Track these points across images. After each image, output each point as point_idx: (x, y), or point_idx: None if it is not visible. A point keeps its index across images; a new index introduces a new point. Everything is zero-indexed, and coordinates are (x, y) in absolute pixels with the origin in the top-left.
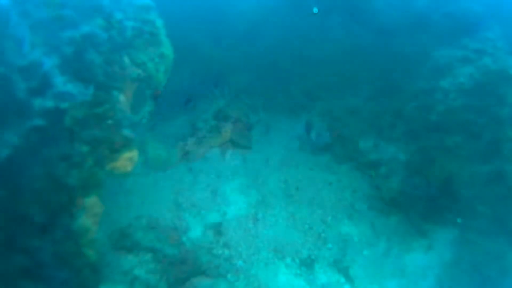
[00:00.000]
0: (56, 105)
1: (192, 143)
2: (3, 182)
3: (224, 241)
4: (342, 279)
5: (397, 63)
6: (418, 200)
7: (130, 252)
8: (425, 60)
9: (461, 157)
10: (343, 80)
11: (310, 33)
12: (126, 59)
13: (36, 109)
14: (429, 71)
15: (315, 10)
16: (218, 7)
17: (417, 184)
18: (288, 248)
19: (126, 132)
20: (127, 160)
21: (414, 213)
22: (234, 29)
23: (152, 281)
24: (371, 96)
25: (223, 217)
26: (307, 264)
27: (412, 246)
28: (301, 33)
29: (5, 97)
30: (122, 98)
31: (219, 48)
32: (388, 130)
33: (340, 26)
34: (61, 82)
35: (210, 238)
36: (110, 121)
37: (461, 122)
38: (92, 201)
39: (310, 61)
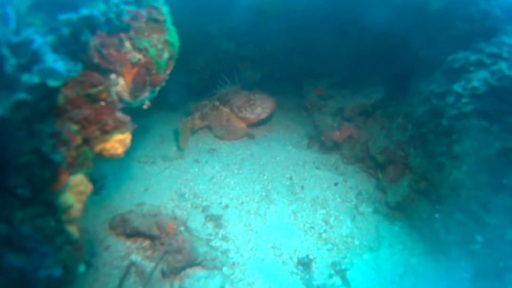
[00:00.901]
0: (42, 81)
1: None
2: None
3: (223, 234)
4: (339, 282)
5: (411, 65)
6: (423, 206)
7: (129, 238)
8: (439, 63)
9: (469, 164)
10: (357, 80)
11: (327, 30)
12: (128, 44)
13: (24, 84)
14: (442, 74)
15: None
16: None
17: (423, 190)
18: (287, 246)
19: (119, 115)
20: (118, 142)
21: (419, 220)
22: (249, 22)
23: (147, 268)
24: (383, 98)
25: (224, 210)
26: (305, 263)
27: (414, 253)
28: (316, 31)
29: None
30: (121, 81)
31: (233, 41)
32: (398, 132)
33: (356, 26)
34: (51, 59)
35: (209, 230)
36: (103, 103)
37: (471, 128)
38: (77, 179)
39: (324, 59)
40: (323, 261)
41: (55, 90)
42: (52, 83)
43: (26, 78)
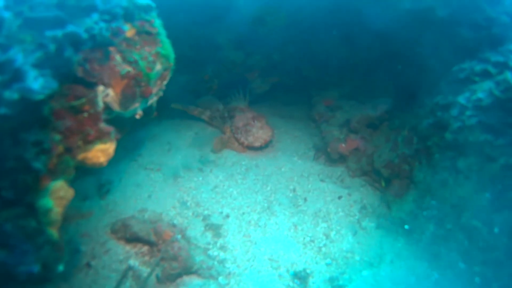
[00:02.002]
0: (22, 97)
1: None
2: None
3: (221, 244)
4: None
5: (419, 75)
6: (427, 223)
7: (129, 242)
8: (444, 73)
9: (473, 181)
10: (365, 90)
11: (334, 39)
12: (118, 57)
13: (5, 100)
14: (448, 85)
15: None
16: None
17: (427, 206)
18: (285, 259)
19: (102, 125)
20: (100, 151)
21: (422, 237)
22: (256, 32)
23: (144, 273)
24: (389, 109)
25: (225, 219)
26: (301, 277)
27: (416, 271)
28: (324, 40)
29: None
30: (111, 93)
31: (242, 51)
32: (403, 146)
33: (363, 34)
34: (32, 77)
35: (208, 239)
36: (86, 114)
37: (475, 142)
38: (58, 185)
39: (333, 69)
40: (321, 275)
41: (40, 103)
42: (35, 97)
43: (7, 94)
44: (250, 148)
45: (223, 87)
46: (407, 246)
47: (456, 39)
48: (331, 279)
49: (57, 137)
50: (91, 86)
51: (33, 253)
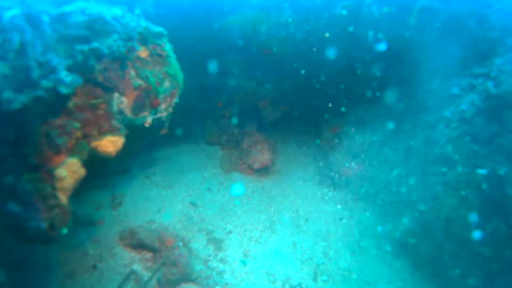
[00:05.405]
0: (54, 86)
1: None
2: (15, 127)
3: (222, 257)
4: None
5: (418, 97)
6: (424, 241)
7: (135, 249)
8: (434, 92)
9: (461, 191)
10: (369, 117)
11: (340, 70)
12: (132, 72)
13: (42, 87)
14: (436, 103)
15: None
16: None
17: (424, 223)
18: (281, 274)
19: (114, 122)
20: (110, 142)
21: (419, 256)
22: (267, 63)
23: (146, 277)
24: (387, 133)
25: (227, 235)
26: None
27: None
28: (331, 71)
29: (25, 77)
30: (124, 100)
31: (254, 81)
32: (402, 167)
33: (363, 65)
34: (63, 74)
35: (210, 251)
36: (101, 111)
37: (462, 152)
38: (73, 161)
39: (340, 98)
40: None
41: (66, 97)
42: (64, 90)
43: (44, 83)
44: (255, 170)
45: (236, 114)
46: (406, 267)
47: (447, 59)
48: None
49: (77, 124)
50: (108, 90)
51: (43, 212)
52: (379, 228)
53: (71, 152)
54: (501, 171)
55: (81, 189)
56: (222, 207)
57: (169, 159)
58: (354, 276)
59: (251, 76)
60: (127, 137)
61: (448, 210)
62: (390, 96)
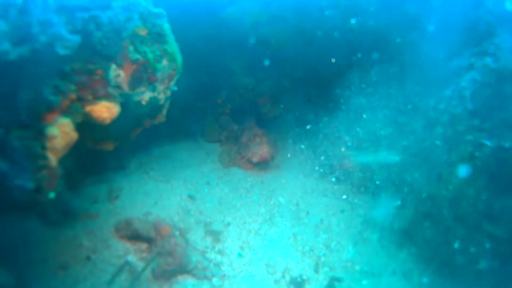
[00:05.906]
0: (53, 41)
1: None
2: (9, 80)
3: (220, 248)
4: None
5: (415, 81)
6: (428, 229)
7: (130, 240)
8: (436, 74)
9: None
10: (369, 105)
11: (341, 64)
12: (131, 47)
13: (40, 41)
14: (437, 84)
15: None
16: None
17: (428, 211)
18: (282, 265)
19: (110, 89)
20: (105, 107)
21: (424, 244)
22: (266, 54)
23: (139, 268)
24: (388, 122)
25: (225, 227)
26: (297, 283)
27: (419, 281)
28: (332, 65)
29: (25, 33)
30: (122, 74)
31: (253, 77)
32: (404, 153)
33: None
34: (64, 31)
35: (207, 243)
36: (98, 77)
37: (464, 130)
38: (66, 121)
39: (339, 94)
40: (318, 283)
41: (64, 58)
42: (62, 51)
43: (43, 37)
44: (254, 164)
45: (235, 110)
46: (411, 257)
47: (446, 44)
48: (329, 287)
49: (72, 87)
50: (106, 58)
51: (31, 172)
52: (382, 219)
53: (64, 112)
54: (507, 144)
55: (78, 185)
56: (221, 200)
57: (168, 156)
58: (357, 268)
59: (250, 73)
60: (122, 119)
61: (454, 191)
62: (390, 82)
